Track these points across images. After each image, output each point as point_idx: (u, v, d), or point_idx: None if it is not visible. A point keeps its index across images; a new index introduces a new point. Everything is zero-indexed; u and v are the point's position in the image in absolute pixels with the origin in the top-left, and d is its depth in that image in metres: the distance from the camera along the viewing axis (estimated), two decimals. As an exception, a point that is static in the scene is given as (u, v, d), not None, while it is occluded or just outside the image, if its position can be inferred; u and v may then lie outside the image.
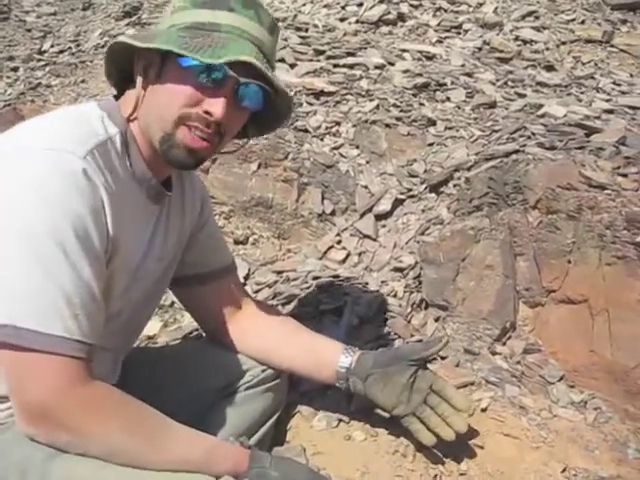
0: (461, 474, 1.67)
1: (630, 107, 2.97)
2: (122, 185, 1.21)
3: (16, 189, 1.06)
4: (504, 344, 1.98)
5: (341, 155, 2.76)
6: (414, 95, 3.04)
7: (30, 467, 1.10)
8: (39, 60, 3.87)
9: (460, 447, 1.71)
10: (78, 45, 4.01)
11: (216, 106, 1.20)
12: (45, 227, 1.04)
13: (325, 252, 2.38)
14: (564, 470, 1.67)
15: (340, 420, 1.76)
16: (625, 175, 2.16)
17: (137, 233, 1.29)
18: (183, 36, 1.17)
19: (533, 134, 2.55)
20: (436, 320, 2.02)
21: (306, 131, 2.83)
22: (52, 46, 4.02)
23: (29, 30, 4.30)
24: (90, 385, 1.09)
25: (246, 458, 1.21)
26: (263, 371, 1.58)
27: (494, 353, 1.94)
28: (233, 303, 1.62)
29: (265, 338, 1.60)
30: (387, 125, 2.81)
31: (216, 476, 1.15)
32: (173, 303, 2.22)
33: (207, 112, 1.20)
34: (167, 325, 2.20)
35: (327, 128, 2.87)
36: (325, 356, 1.58)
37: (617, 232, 1.89)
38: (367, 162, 2.74)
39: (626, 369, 1.80)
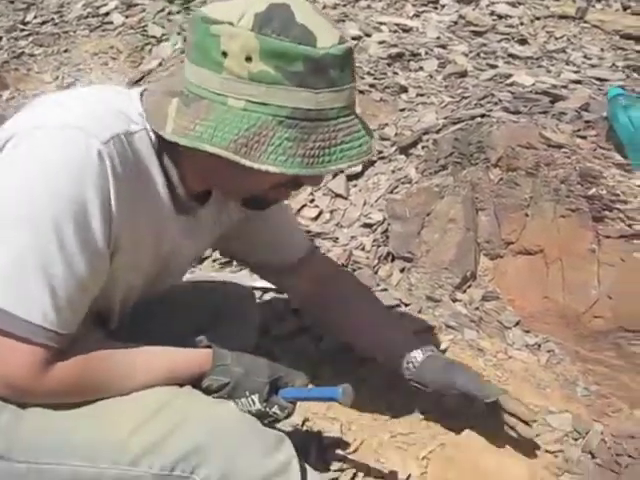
0: (422, 412, 1.77)
1: (598, 79, 3.06)
2: (145, 181, 1.14)
3: (25, 168, 1.01)
4: (464, 292, 2.09)
5: (316, 120, 2.84)
6: (388, 64, 3.13)
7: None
8: (22, 30, 3.92)
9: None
10: (61, 16, 4.05)
11: (317, 181, 1.22)
12: (47, 212, 0.99)
13: (299, 210, 2.46)
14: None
15: (308, 360, 1.85)
16: (584, 137, 2.27)
17: (153, 235, 1.21)
18: (287, 138, 1.03)
19: (500, 100, 2.64)
20: (401, 271, 2.12)
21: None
22: (35, 17, 4.06)
23: (12, 2, 4.34)
24: (57, 369, 1.05)
25: (209, 358, 1.23)
26: (227, 305, 1.64)
27: (454, 300, 2.06)
28: (321, 284, 1.62)
29: (361, 323, 1.62)
30: (361, 92, 2.89)
31: (182, 384, 1.19)
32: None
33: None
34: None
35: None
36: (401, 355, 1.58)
37: (571, 186, 2.00)
38: (341, 127, 2.81)
39: (577, 313, 1.91)
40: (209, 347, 1.27)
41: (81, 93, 1.17)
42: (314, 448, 1.61)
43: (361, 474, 1.57)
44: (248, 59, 1.00)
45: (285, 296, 1.98)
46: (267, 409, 1.24)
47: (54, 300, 1.01)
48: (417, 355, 1.54)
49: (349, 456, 1.61)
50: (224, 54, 1.01)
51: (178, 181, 1.18)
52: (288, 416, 1.29)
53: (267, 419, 1.25)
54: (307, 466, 1.21)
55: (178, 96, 1.08)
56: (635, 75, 3.21)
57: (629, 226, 1.88)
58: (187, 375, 1.21)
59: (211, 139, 1.03)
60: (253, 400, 1.23)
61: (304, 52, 1.00)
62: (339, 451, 1.62)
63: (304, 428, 1.67)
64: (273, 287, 2.06)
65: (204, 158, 1.07)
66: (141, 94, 1.16)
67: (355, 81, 1.10)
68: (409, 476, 1.57)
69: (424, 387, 1.55)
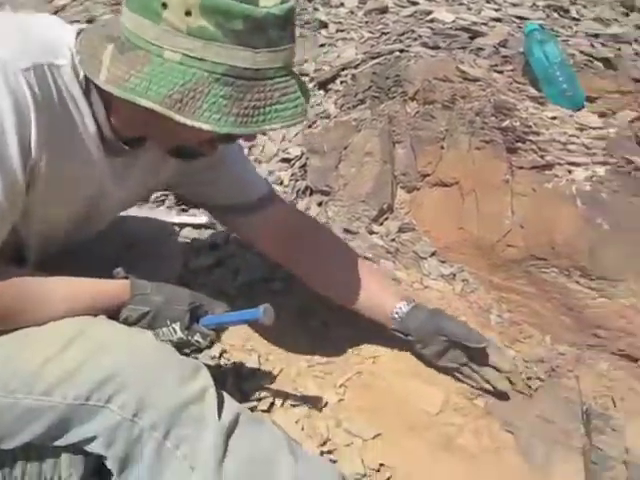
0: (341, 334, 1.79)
1: (518, 17, 3.08)
2: (69, 118, 1.11)
3: None
4: (381, 224, 2.11)
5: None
6: (309, 1, 3.09)
7: None
8: None
9: (341, 314, 1.82)
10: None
11: (251, 138, 1.29)
12: None
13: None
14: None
15: (225, 294, 1.85)
16: (501, 72, 2.29)
17: (79, 173, 1.19)
18: (223, 96, 1.00)
19: (419, 36, 2.64)
20: (319, 204, 2.13)
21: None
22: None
23: None
24: None
25: (126, 288, 1.23)
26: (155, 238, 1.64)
27: (371, 232, 2.08)
28: (287, 229, 1.60)
29: (342, 275, 1.62)
30: (280, 27, 2.85)
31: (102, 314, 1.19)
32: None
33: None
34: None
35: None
36: (383, 306, 1.61)
37: (486, 118, 2.03)
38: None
39: (491, 243, 1.95)
40: (126, 278, 1.26)
41: (11, 18, 1.15)
42: (231, 378, 1.61)
43: (279, 402, 1.58)
44: (188, 13, 0.97)
45: (202, 230, 1.96)
46: (189, 337, 1.24)
47: None
48: (402, 306, 1.58)
49: (267, 385, 1.62)
50: (164, 5, 0.98)
51: (106, 123, 1.15)
52: (211, 344, 1.29)
53: (189, 348, 1.26)
54: (224, 394, 1.21)
55: (114, 42, 1.05)
56: (555, 15, 3.24)
57: (541, 157, 1.92)
58: (105, 305, 1.21)
59: (145, 92, 1.00)
60: (174, 329, 1.22)
61: (245, 11, 0.97)
62: (257, 381, 1.63)
63: (221, 360, 1.67)
64: (190, 222, 2.04)
65: (136, 108, 1.03)
66: (77, 33, 1.12)
67: (295, 41, 1.07)
68: (326, 404, 1.59)
69: (410, 336, 1.59)
